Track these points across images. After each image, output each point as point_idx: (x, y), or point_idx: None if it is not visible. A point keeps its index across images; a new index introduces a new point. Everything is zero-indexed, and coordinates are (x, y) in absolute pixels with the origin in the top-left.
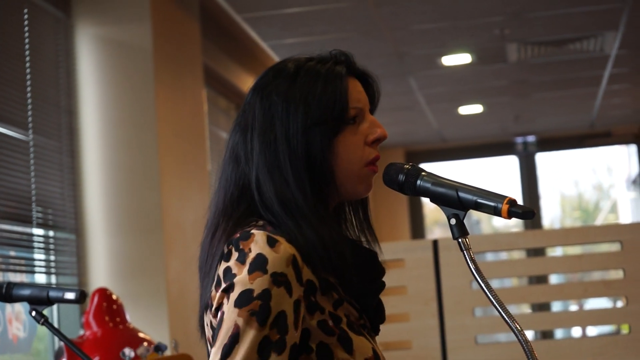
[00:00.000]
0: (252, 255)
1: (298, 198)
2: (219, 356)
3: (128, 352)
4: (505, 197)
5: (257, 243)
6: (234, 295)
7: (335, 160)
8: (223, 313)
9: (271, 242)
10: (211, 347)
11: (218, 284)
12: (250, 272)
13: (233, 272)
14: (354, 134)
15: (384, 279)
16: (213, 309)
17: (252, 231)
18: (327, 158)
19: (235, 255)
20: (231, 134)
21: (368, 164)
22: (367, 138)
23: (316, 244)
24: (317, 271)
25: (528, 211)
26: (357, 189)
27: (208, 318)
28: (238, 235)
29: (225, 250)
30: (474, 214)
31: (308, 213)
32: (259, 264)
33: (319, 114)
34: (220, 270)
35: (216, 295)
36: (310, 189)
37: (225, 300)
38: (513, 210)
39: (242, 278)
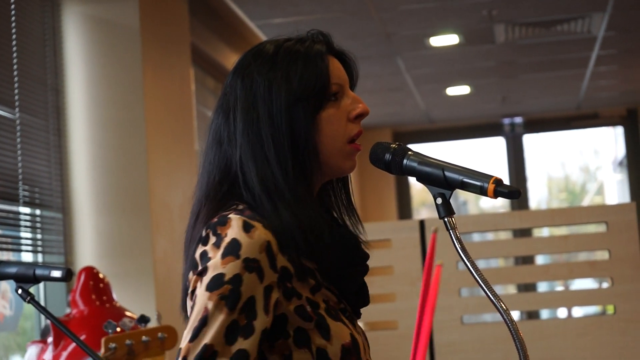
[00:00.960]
0: (227, 239)
1: (278, 177)
2: (188, 337)
3: (112, 324)
4: (492, 176)
5: (233, 228)
6: (206, 278)
7: (318, 136)
8: (195, 296)
9: (246, 228)
10: None
11: (195, 267)
12: (223, 256)
13: (208, 255)
14: (336, 109)
15: (370, 260)
16: (190, 291)
17: (230, 215)
18: (311, 134)
19: (212, 239)
20: (213, 117)
21: (351, 140)
22: (350, 114)
23: (292, 227)
24: (293, 257)
25: (514, 191)
26: (341, 165)
27: (189, 301)
28: (216, 219)
29: (203, 234)
30: (460, 195)
31: (287, 194)
32: (232, 249)
33: (301, 90)
34: (197, 254)
35: (192, 278)
36: (292, 168)
37: (199, 284)
38: (499, 189)
39: (215, 262)
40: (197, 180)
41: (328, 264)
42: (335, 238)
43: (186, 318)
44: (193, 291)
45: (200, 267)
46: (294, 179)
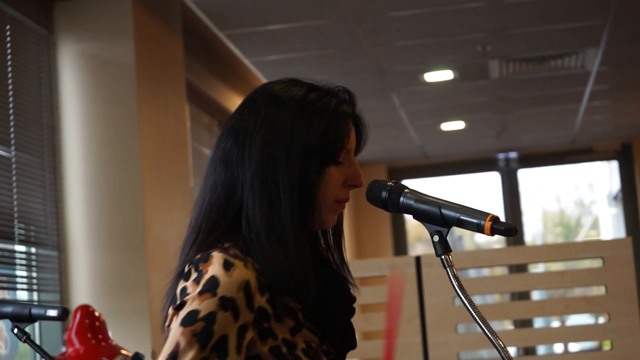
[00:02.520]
0: (206, 277)
1: (285, 215)
2: None
3: None
4: (488, 214)
5: (214, 265)
6: (182, 313)
7: (318, 190)
8: (170, 329)
9: (227, 266)
10: None
11: (174, 301)
12: (200, 293)
13: (187, 291)
14: (338, 172)
15: (367, 296)
16: (166, 325)
17: (212, 253)
18: (317, 186)
19: (193, 275)
20: (223, 136)
21: (338, 201)
22: (348, 181)
23: (278, 268)
24: (274, 297)
25: (511, 228)
26: (325, 219)
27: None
28: (199, 256)
29: (186, 270)
30: (456, 231)
31: (286, 232)
32: (210, 286)
33: (319, 145)
34: (178, 289)
35: (170, 312)
36: (298, 212)
37: (175, 318)
38: (496, 227)
39: (192, 297)
40: (198, 196)
41: (312, 303)
42: (322, 281)
43: None
44: (170, 325)
45: (178, 302)
46: (297, 221)
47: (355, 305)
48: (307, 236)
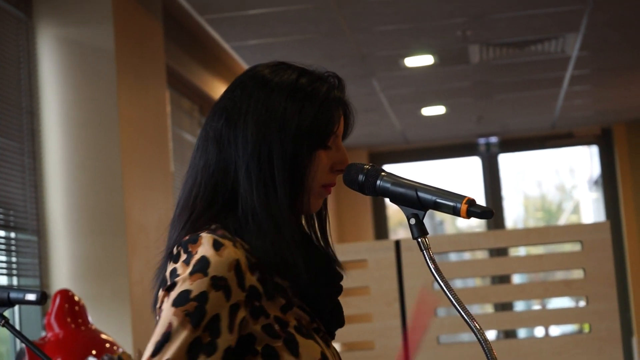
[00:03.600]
0: (196, 257)
1: (280, 196)
2: (149, 352)
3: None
4: (464, 197)
5: (203, 245)
6: (173, 294)
7: (308, 173)
8: (161, 310)
9: (216, 246)
10: None
11: (164, 283)
12: (191, 273)
13: (177, 272)
14: (326, 157)
15: (346, 281)
16: (157, 306)
17: (201, 234)
18: (307, 168)
19: (183, 256)
20: (214, 116)
21: (325, 186)
22: (335, 166)
23: (270, 248)
24: (264, 276)
25: (487, 211)
26: (310, 204)
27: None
28: (187, 237)
29: (175, 252)
30: (437, 215)
31: (282, 213)
32: (201, 266)
33: (310, 128)
34: (168, 271)
35: (161, 294)
36: (290, 194)
37: (166, 299)
38: (472, 210)
39: (183, 278)
40: (187, 174)
41: (302, 284)
42: (311, 259)
43: None
44: (160, 306)
45: (168, 283)
46: (289, 204)
47: None
48: (296, 219)
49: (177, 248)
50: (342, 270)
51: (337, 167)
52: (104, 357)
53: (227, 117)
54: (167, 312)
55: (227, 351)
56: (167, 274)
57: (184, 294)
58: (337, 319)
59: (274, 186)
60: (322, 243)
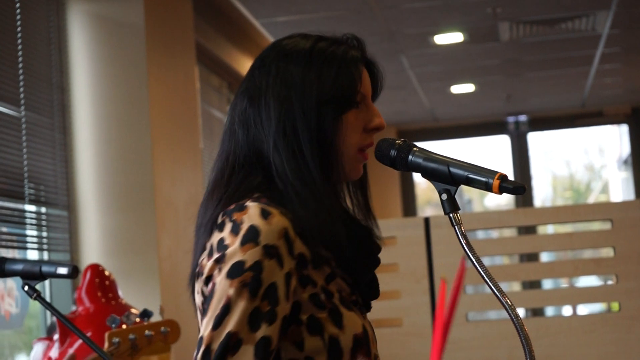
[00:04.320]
0: (245, 226)
1: (312, 168)
2: (210, 326)
3: (115, 318)
4: (497, 172)
5: (250, 215)
6: (226, 266)
7: (338, 138)
8: (215, 284)
9: (264, 214)
10: (200, 314)
11: (210, 254)
12: (242, 243)
13: (225, 243)
14: (356, 117)
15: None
16: (204, 277)
17: (247, 203)
18: (336, 134)
19: (228, 226)
20: (237, 100)
21: (361, 149)
22: (368, 125)
23: (314, 218)
24: (310, 244)
25: (519, 186)
26: (347, 171)
27: (199, 285)
28: (233, 206)
29: (219, 220)
30: (465, 193)
31: (317, 185)
32: (251, 236)
33: (333, 93)
34: (214, 240)
35: (207, 264)
36: (321, 163)
37: (216, 272)
38: (504, 185)
39: (234, 249)
40: (217, 158)
41: (344, 255)
42: (352, 230)
43: (192, 300)
44: (209, 278)
45: (217, 254)
46: (322, 173)
47: None
48: (333, 189)
49: (222, 217)
50: (381, 242)
51: (370, 126)
52: (126, 313)
53: (249, 98)
54: (223, 285)
55: (284, 319)
56: (214, 243)
57: (238, 265)
58: (373, 291)
59: (304, 158)
60: (363, 212)
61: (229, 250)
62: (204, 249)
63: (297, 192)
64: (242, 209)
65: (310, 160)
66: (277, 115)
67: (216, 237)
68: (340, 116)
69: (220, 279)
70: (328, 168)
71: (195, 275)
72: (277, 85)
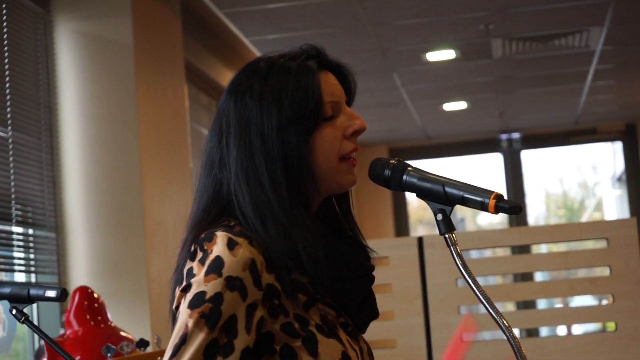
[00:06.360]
0: (211, 257)
1: (273, 202)
2: (169, 354)
3: (110, 348)
4: (492, 192)
5: (218, 245)
6: (189, 295)
7: (313, 156)
8: (179, 312)
9: (230, 245)
10: None
11: (180, 282)
12: (206, 274)
13: (193, 272)
14: (332, 127)
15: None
16: (174, 306)
17: (216, 232)
18: (304, 156)
19: (199, 255)
20: (207, 139)
21: (344, 157)
22: (346, 131)
23: (284, 249)
24: (282, 274)
25: (515, 206)
26: (339, 182)
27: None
28: (204, 235)
29: (192, 249)
30: (458, 212)
31: (282, 218)
32: (215, 267)
33: (293, 112)
34: (185, 269)
35: (178, 293)
36: (287, 192)
37: (182, 300)
38: (500, 205)
39: (198, 279)
40: (194, 197)
41: (322, 280)
42: (332, 253)
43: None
44: (177, 307)
45: (185, 283)
46: (289, 202)
47: None
48: (306, 210)
49: (194, 246)
50: (373, 260)
51: (350, 130)
52: (121, 344)
53: (217, 136)
54: (184, 314)
55: (245, 352)
56: (185, 272)
57: (199, 296)
58: (368, 312)
59: (263, 189)
60: (350, 224)
61: (193, 280)
62: (178, 280)
63: (260, 229)
64: (211, 238)
65: (270, 190)
66: (235, 151)
67: (187, 266)
68: (308, 136)
69: (182, 307)
70: (304, 189)
71: (171, 303)
72: (236, 119)
